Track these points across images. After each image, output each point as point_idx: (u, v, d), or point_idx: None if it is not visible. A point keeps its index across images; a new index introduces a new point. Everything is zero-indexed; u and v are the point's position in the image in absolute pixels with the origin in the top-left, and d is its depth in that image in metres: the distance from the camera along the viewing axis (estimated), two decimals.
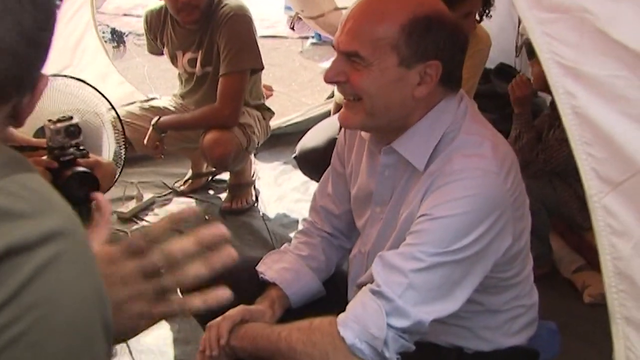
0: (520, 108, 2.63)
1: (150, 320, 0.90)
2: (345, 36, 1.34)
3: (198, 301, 0.91)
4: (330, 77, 1.37)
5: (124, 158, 2.79)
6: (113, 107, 2.78)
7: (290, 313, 1.61)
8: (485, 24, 2.78)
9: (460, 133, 1.35)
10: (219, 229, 0.95)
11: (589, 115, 1.19)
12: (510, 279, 1.45)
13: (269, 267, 1.64)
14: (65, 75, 2.58)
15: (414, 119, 1.38)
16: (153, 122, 2.99)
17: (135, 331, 0.90)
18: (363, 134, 1.54)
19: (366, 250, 1.54)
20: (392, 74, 1.31)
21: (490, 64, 3.56)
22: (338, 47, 1.36)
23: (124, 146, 2.78)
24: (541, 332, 1.61)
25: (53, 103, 2.53)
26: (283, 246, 1.74)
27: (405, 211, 1.38)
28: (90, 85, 2.65)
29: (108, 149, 2.76)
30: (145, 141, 3.01)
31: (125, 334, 0.89)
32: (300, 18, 6.04)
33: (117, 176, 2.78)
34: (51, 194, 0.67)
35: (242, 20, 2.95)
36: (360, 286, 1.47)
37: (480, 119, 1.42)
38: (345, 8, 3.05)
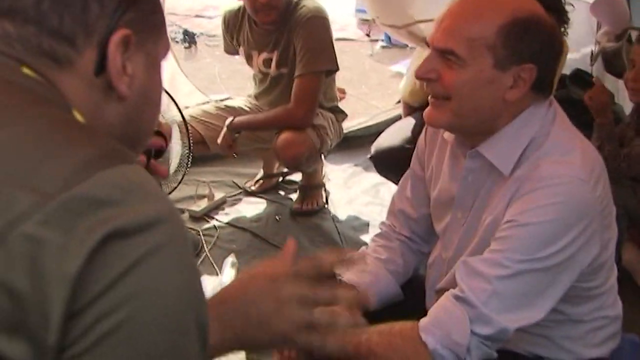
0: (602, 118, 2.56)
1: (289, 344, 0.91)
2: (441, 34, 1.32)
3: (334, 343, 0.93)
4: (421, 74, 1.35)
5: (189, 160, 2.85)
6: (179, 109, 2.83)
7: (367, 318, 1.59)
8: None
9: (548, 139, 1.32)
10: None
11: None
12: (595, 289, 1.42)
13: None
14: None
15: (501, 123, 1.36)
16: (227, 122, 3.01)
17: (271, 347, 0.92)
18: (446, 135, 1.52)
19: (447, 256, 1.52)
20: (485, 75, 1.29)
21: (567, 70, 3.50)
22: (433, 43, 1.34)
23: (188, 149, 2.84)
24: (623, 345, 1.56)
25: None
26: (361, 249, 1.73)
27: (489, 217, 1.36)
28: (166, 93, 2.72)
29: (174, 151, 2.83)
30: (219, 140, 3.03)
31: (263, 346, 0.90)
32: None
33: (182, 175, 2.86)
34: (150, 183, 0.67)
35: (320, 23, 2.95)
36: (439, 292, 1.45)
37: (568, 126, 1.39)
38: (427, 20, 3.05)
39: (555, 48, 1.33)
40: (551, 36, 1.31)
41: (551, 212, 1.25)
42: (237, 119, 3.03)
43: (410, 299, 1.65)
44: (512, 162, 1.33)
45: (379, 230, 1.76)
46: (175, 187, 2.86)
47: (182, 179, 2.82)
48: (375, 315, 1.54)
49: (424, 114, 1.44)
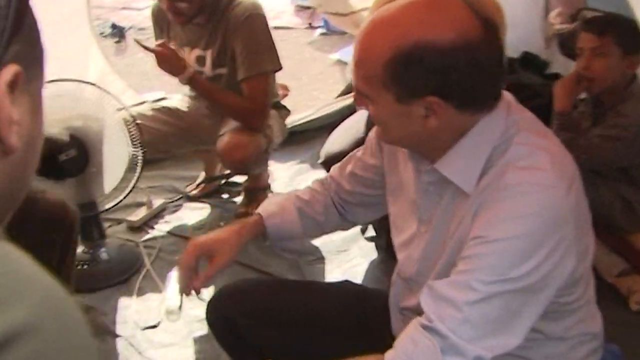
0: (565, 104, 2.46)
1: None
2: (353, 67, 1.26)
3: None
4: (356, 105, 1.31)
5: (142, 160, 2.68)
6: (124, 108, 2.67)
7: (328, 334, 1.56)
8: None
9: (512, 144, 1.21)
10: None
11: None
12: (573, 302, 1.31)
13: (263, 207, 1.65)
14: (70, 80, 2.47)
15: (448, 142, 1.25)
16: (192, 69, 2.81)
17: None
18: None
19: (408, 274, 1.42)
20: (393, 110, 1.21)
21: (513, 52, 3.42)
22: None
23: (140, 147, 2.67)
24: (605, 358, 1.46)
25: (58, 110, 2.40)
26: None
27: (455, 232, 1.26)
28: (97, 87, 2.54)
29: (120, 152, 2.65)
30: (160, 46, 2.79)
31: None
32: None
33: (134, 182, 2.68)
34: (12, 274, 0.49)
35: (259, 21, 2.81)
36: (403, 310, 1.41)
37: (536, 127, 1.28)
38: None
39: (464, 69, 1.15)
40: (450, 59, 1.14)
41: (521, 225, 1.15)
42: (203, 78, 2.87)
43: (373, 316, 1.58)
44: (473, 179, 1.23)
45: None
46: (129, 193, 2.71)
47: (136, 182, 2.67)
48: (341, 332, 1.55)
49: (375, 130, 1.40)
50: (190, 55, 2.93)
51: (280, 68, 2.92)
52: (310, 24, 6.53)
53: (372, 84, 1.20)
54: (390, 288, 1.52)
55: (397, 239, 1.48)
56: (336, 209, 1.65)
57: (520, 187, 1.17)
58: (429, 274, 1.30)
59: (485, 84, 1.18)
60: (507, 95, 1.26)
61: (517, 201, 1.16)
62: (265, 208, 1.63)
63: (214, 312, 1.64)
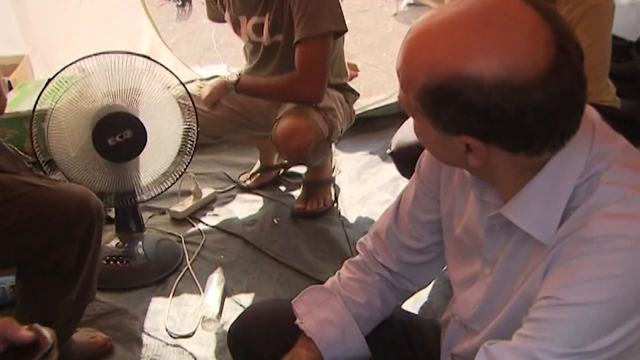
0: None
1: None
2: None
3: None
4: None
5: (196, 139, 2.49)
6: (182, 83, 2.45)
7: None
8: None
9: (599, 184, 1.04)
10: None
11: None
12: None
13: (309, 312, 1.39)
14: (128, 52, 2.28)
15: (511, 181, 1.09)
16: (232, 79, 2.58)
17: None
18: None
19: (463, 318, 1.28)
20: (433, 135, 1.07)
21: (630, 35, 2.98)
22: None
23: (193, 128, 2.42)
24: None
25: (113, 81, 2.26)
26: (330, 280, 1.46)
27: (524, 284, 1.12)
28: (155, 61, 2.34)
29: (170, 133, 2.39)
30: (205, 94, 2.62)
31: None
32: None
33: (185, 167, 2.43)
34: None
35: None
36: (455, 356, 1.31)
37: (632, 159, 1.08)
38: None
39: (513, 113, 0.97)
40: (496, 99, 0.97)
41: (606, 289, 1.00)
42: (244, 77, 2.62)
43: (419, 355, 1.45)
44: (551, 229, 1.07)
45: None
46: (176, 181, 2.47)
47: (185, 169, 2.44)
48: None
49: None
50: (247, 25, 2.66)
51: (345, 30, 2.58)
52: None
53: (409, 101, 1.06)
54: (443, 327, 1.40)
55: (454, 274, 1.33)
56: (392, 287, 1.45)
57: (608, 240, 1.00)
58: (487, 323, 1.20)
59: (548, 125, 1.01)
60: (591, 114, 1.08)
61: (603, 258, 1.00)
62: (319, 331, 1.37)
63: (232, 339, 1.47)
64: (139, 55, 2.31)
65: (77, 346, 2.04)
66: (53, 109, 2.19)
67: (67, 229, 1.78)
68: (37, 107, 2.20)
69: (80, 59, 2.18)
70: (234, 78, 2.58)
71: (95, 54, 2.19)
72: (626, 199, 1.03)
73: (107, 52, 2.22)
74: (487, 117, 0.98)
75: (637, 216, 1.01)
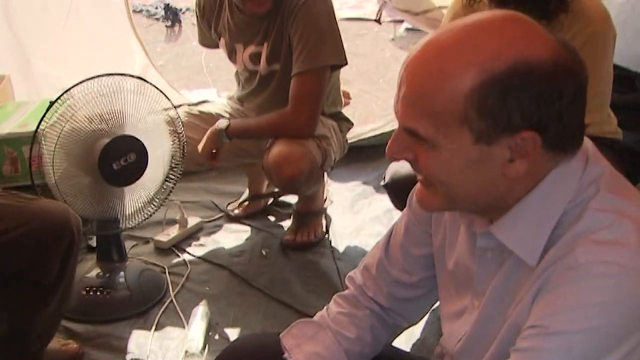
0: None
1: None
2: (400, 105, 1.06)
3: None
4: (393, 153, 1.11)
5: (182, 160, 2.45)
6: (174, 106, 2.42)
7: None
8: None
9: (588, 208, 1.06)
10: None
11: None
12: None
13: (298, 345, 1.36)
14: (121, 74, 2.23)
15: (513, 198, 1.10)
16: (222, 125, 2.52)
17: None
18: None
19: (449, 352, 1.27)
20: (468, 155, 1.04)
21: (634, 65, 2.94)
22: (396, 115, 1.09)
23: (181, 153, 2.41)
24: None
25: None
26: (319, 314, 1.42)
27: (514, 311, 1.11)
28: (148, 82, 2.30)
29: (158, 158, 2.32)
30: (200, 146, 2.55)
31: None
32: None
33: (169, 193, 2.44)
34: None
35: (321, 5, 2.44)
36: None
37: (620, 186, 1.11)
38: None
39: (570, 96, 1.02)
40: (552, 81, 1.01)
41: (593, 316, 1.00)
42: (234, 123, 2.55)
43: None
44: (537, 250, 1.08)
45: None
46: (167, 197, 2.41)
47: (170, 191, 2.38)
48: None
49: (415, 193, 1.22)
50: (244, 54, 2.60)
51: (345, 64, 2.54)
52: (377, 19, 6.05)
53: (441, 122, 1.02)
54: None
55: (446, 308, 1.32)
56: (383, 323, 1.42)
57: (595, 267, 1.02)
58: (476, 356, 1.18)
59: (581, 117, 1.07)
60: (586, 143, 1.11)
61: (589, 285, 1.01)
62: None
63: None
64: (131, 76, 2.26)
65: (48, 353, 2.01)
66: (44, 130, 2.14)
67: (47, 248, 1.78)
68: (24, 130, 2.15)
69: (81, 82, 2.14)
70: (224, 124, 2.53)
71: (89, 78, 2.15)
72: (614, 226, 1.03)
73: (100, 76, 2.17)
74: (551, 104, 1.00)
75: (624, 243, 1.01)
